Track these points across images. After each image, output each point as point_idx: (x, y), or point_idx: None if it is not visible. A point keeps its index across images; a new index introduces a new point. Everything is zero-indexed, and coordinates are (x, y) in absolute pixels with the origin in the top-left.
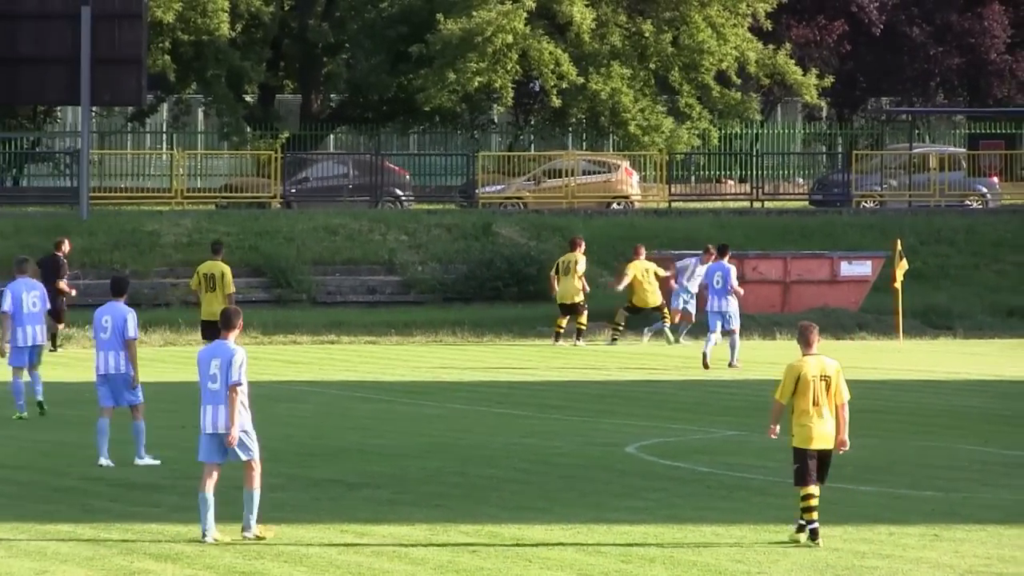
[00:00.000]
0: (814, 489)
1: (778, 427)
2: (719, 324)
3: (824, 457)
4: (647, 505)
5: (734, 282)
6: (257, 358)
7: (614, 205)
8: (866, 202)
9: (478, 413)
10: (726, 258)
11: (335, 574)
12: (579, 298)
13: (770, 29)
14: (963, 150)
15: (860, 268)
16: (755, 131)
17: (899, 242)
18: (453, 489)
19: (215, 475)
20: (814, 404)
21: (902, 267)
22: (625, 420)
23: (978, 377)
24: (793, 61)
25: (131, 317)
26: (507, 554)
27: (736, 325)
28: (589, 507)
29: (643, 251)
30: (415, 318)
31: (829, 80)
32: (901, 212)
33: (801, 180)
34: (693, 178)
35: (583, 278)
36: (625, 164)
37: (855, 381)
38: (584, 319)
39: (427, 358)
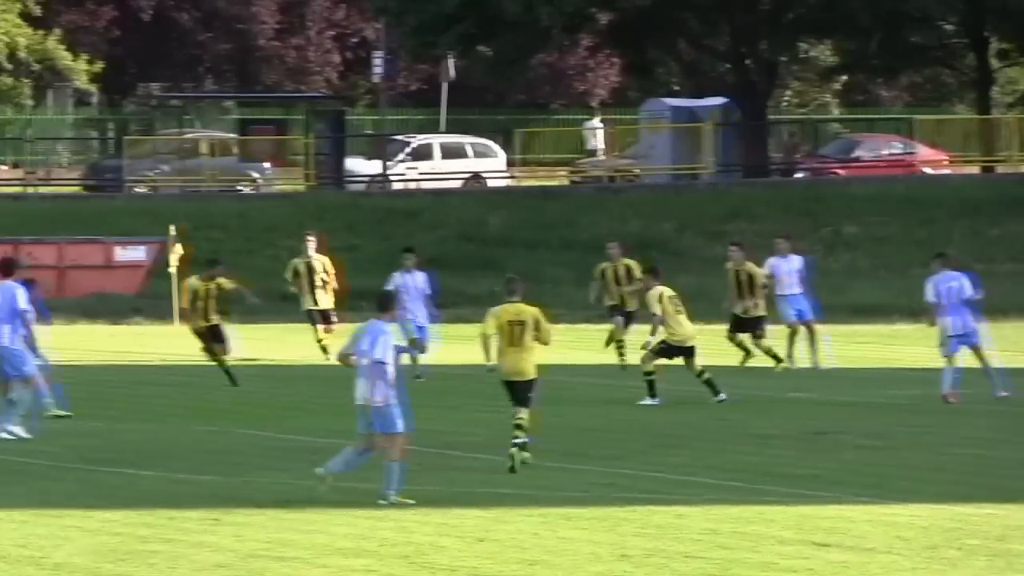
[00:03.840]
0: None
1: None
2: None
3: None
4: None
5: None
6: None
7: None
8: (139, 187)
9: None
10: None
11: None
12: None
13: (40, 14)
14: (234, 135)
15: (135, 253)
16: (27, 116)
17: (175, 228)
18: None
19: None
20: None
21: (177, 252)
22: None
23: (264, 362)
24: (64, 47)
25: None
26: None
27: None
28: None
29: None
30: None
31: (99, 65)
32: (174, 197)
33: (72, 165)
34: None
35: None
36: None
37: (86, 367)
38: None
39: None
